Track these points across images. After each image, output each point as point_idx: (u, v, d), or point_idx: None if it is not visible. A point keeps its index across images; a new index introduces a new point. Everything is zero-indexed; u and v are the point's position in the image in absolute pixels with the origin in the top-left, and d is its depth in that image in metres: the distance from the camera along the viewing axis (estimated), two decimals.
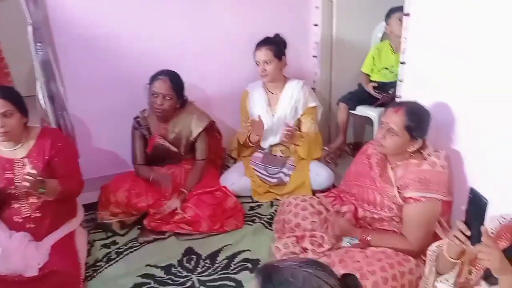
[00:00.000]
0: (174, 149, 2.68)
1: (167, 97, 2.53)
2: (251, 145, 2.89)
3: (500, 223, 1.50)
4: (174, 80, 2.57)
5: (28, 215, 2.12)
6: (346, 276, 0.90)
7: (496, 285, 1.31)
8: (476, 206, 1.25)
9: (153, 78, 2.56)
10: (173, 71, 2.60)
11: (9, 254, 2.00)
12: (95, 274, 2.19)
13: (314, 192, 2.69)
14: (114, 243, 2.42)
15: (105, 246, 2.40)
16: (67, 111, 2.56)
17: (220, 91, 3.10)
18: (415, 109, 1.94)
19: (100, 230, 2.50)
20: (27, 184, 1.94)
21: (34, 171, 1.95)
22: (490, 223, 1.50)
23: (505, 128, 1.78)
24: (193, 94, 2.79)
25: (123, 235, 2.48)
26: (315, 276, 0.87)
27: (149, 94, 2.57)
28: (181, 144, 2.69)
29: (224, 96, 3.11)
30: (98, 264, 2.26)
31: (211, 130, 2.82)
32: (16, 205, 2.11)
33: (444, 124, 2.09)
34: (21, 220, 2.11)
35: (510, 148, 1.77)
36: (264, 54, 2.71)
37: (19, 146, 2.12)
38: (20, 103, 2.08)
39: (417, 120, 1.91)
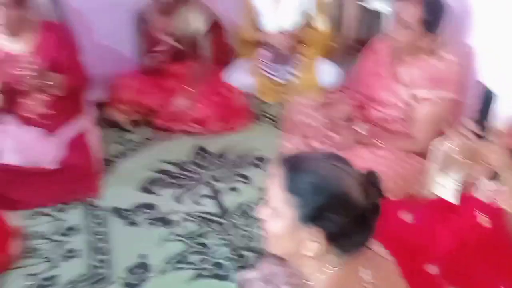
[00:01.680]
0: (178, 45, 2.60)
1: None
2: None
3: None
4: None
5: (40, 111, 2.15)
6: (367, 172, 0.92)
7: (497, 180, 1.35)
8: (485, 102, 1.23)
9: None
10: None
11: (25, 147, 2.07)
12: (110, 168, 2.28)
13: (322, 91, 2.69)
14: (127, 140, 2.48)
15: (118, 143, 2.46)
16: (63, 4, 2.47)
17: None
18: (432, 0, 1.82)
19: (112, 128, 2.54)
20: (32, 79, 1.97)
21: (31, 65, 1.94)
22: (502, 120, 1.51)
23: None
24: None
25: (133, 133, 2.53)
26: (339, 168, 0.89)
27: None
28: (185, 41, 2.61)
29: None
30: (112, 159, 2.34)
31: (215, 26, 2.71)
32: (26, 101, 2.12)
33: (459, 17, 1.95)
34: (31, 116, 2.14)
35: None
36: None
37: (19, 40, 2.07)
38: None
39: (433, 12, 1.79)
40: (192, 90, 2.56)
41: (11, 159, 2.04)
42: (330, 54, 2.88)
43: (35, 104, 2.14)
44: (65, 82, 2.08)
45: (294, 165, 0.89)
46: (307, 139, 2.18)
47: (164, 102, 2.53)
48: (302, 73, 2.75)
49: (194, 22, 2.55)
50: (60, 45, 2.12)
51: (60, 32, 2.17)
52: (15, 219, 1.96)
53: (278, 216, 0.89)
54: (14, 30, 2.02)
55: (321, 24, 2.73)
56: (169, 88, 2.59)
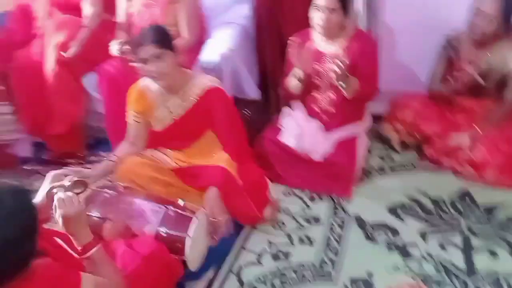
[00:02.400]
0: (481, 81, 2.36)
1: (492, 19, 2.19)
2: None
3: None
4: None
5: (324, 107, 2.34)
6: None
7: None
8: None
9: None
10: None
11: (304, 135, 2.32)
12: (366, 179, 2.31)
13: None
14: (390, 158, 2.47)
15: (381, 158, 2.47)
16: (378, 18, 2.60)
17: None
18: None
19: (380, 142, 2.57)
20: (333, 75, 2.12)
21: (343, 64, 2.07)
22: None
23: None
24: None
25: (400, 153, 2.48)
26: None
27: (474, 14, 2.28)
28: (491, 77, 2.34)
29: None
30: (371, 172, 2.36)
31: None
32: (317, 96, 2.35)
33: None
34: (318, 110, 2.37)
35: None
36: None
37: (333, 43, 2.28)
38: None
39: None
40: (480, 130, 2.30)
41: (289, 141, 2.32)
42: None
43: (323, 100, 2.34)
44: (358, 88, 2.20)
45: None
46: None
47: (443, 133, 2.37)
48: None
49: (511, 60, 2.28)
50: (363, 53, 2.25)
51: (366, 41, 2.30)
52: (274, 190, 2.23)
53: None
54: (330, 33, 2.25)
55: None
56: (453, 121, 2.41)
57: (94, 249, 1.32)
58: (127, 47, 2.33)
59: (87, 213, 1.69)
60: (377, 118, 2.62)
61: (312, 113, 2.39)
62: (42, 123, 2.55)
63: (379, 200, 2.15)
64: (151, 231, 1.73)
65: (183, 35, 2.42)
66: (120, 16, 2.51)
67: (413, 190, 2.20)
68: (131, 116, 2.12)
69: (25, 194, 1.12)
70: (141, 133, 2.14)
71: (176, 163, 2.10)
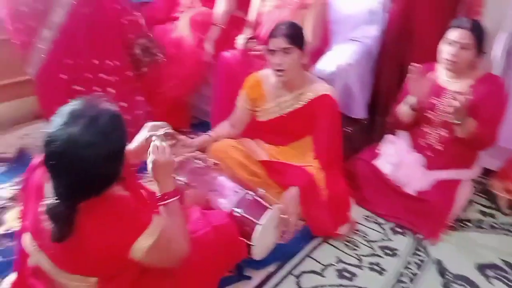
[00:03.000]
0: None
1: None
2: None
3: None
4: None
5: (431, 143, 2.21)
6: None
7: None
8: None
9: None
10: None
11: (401, 166, 2.20)
12: (460, 229, 2.11)
13: None
14: (491, 215, 2.23)
15: (482, 212, 2.25)
16: None
17: None
18: None
19: (484, 196, 2.35)
20: (451, 109, 1.99)
21: (466, 100, 1.94)
22: None
23: None
24: None
25: (504, 214, 2.24)
26: None
27: None
28: None
29: None
30: (466, 223, 2.16)
31: None
32: (426, 130, 2.21)
33: None
34: (424, 145, 2.23)
35: None
36: None
37: (458, 80, 2.15)
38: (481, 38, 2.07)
39: None
40: None
41: (385, 167, 2.22)
42: None
43: (433, 137, 2.20)
44: (473, 130, 2.04)
45: None
46: None
47: None
48: None
49: None
50: (489, 96, 2.07)
51: (495, 85, 2.13)
52: (356, 212, 2.14)
53: None
54: (457, 69, 2.12)
55: None
56: None
57: (172, 199, 1.37)
58: (252, 43, 2.46)
59: (175, 177, 1.79)
60: (487, 173, 2.41)
61: (417, 147, 2.26)
62: (155, 93, 2.72)
63: (468, 254, 1.95)
64: (227, 208, 1.77)
65: (307, 39, 2.47)
66: (252, 14, 2.64)
67: (510, 255, 1.96)
68: (241, 99, 2.21)
69: (121, 119, 1.20)
70: (244, 118, 2.23)
71: (268, 157, 2.13)
